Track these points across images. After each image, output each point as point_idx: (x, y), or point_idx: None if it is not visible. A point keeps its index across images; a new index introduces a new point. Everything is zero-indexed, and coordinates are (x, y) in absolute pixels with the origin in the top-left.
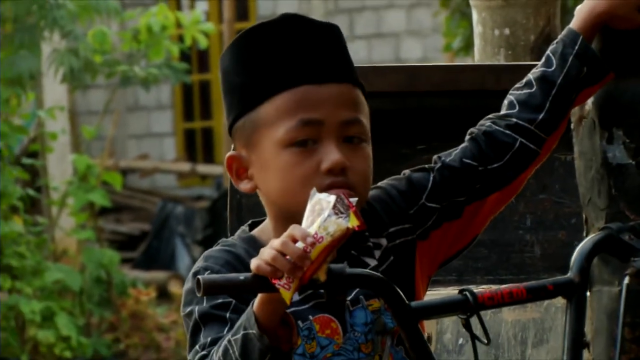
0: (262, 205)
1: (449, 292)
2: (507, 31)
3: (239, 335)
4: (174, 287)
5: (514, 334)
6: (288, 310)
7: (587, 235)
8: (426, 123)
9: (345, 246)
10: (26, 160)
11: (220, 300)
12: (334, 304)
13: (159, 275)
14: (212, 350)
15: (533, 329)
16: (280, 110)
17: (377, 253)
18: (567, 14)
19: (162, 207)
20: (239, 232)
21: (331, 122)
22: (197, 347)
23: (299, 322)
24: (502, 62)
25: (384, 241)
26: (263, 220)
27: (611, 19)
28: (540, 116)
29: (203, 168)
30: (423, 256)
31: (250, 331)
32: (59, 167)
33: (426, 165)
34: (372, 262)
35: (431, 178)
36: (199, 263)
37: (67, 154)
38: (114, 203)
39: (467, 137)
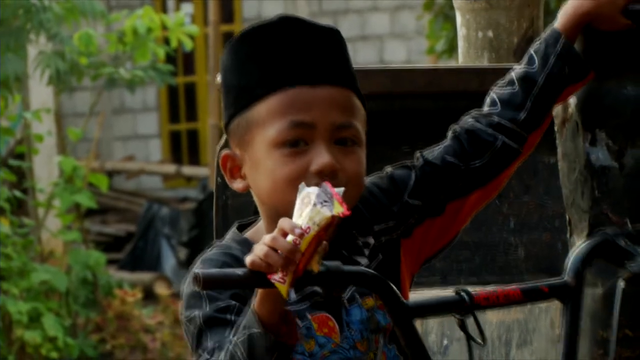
0: (248, 207)
1: (434, 293)
2: (490, 33)
3: (243, 337)
4: (160, 288)
5: (498, 335)
6: (287, 308)
7: (570, 237)
8: (410, 125)
9: (336, 246)
10: (12, 162)
11: (223, 304)
12: (331, 301)
13: (144, 276)
14: (219, 355)
15: (517, 330)
16: (273, 111)
17: (367, 252)
18: (550, 16)
19: (148, 209)
20: (230, 234)
21: (322, 124)
22: (203, 353)
23: (298, 321)
24: (486, 65)
25: (371, 240)
26: (250, 221)
27: (595, 20)
28: (522, 115)
29: (188, 170)
30: (407, 254)
31: (254, 330)
32: (45, 168)
33: (408, 162)
34: (364, 261)
35: (413, 175)
36: (198, 267)
37: (53, 155)
38: (100, 205)
39: (450, 134)
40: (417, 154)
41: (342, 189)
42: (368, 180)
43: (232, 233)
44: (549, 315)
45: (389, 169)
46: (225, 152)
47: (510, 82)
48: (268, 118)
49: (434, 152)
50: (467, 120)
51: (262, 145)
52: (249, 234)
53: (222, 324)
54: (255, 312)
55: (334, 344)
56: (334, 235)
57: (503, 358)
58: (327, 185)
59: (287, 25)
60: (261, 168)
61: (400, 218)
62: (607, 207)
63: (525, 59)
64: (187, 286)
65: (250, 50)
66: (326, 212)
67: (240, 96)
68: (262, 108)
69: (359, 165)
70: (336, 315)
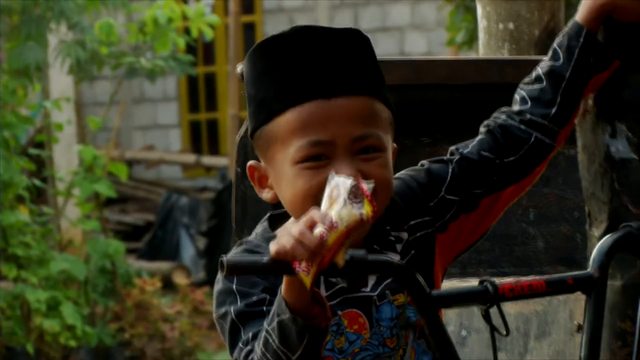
0: None
1: (453, 284)
2: (511, 25)
3: (274, 324)
4: (179, 278)
5: (516, 326)
6: None
7: (589, 229)
8: (430, 116)
9: (368, 241)
10: (32, 151)
11: (255, 298)
12: (362, 298)
13: (163, 265)
14: (255, 344)
15: (535, 321)
16: (291, 128)
17: (399, 247)
18: (571, 8)
19: (167, 198)
20: (261, 230)
21: (341, 140)
22: (240, 344)
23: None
24: (506, 57)
25: (405, 235)
26: (282, 212)
27: (615, 11)
28: (553, 110)
29: (208, 159)
30: (441, 248)
31: (284, 317)
32: (65, 157)
33: (444, 157)
34: (395, 257)
35: (450, 170)
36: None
37: (73, 144)
38: (119, 194)
39: (483, 129)
40: (452, 149)
41: (371, 186)
42: (405, 173)
43: (262, 228)
44: (567, 307)
45: (425, 162)
46: (250, 163)
47: (538, 79)
48: (287, 135)
49: (468, 147)
50: (500, 116)
51: (282, 161)
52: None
53: (255, 317)
54: (283, 298)
55: (363, 340)
56: (366, 232)
57: (521, 349)
58: (359, 181)
59: (302, 37)
60: (283, 181)
61: (437, 213)
62: (627, 199)
63: (549, 54)
64: (217, 283)
65: (266, 63)
66: (356, 213)
67: (260, 110)
68: (281, 124)
69: (384, 170)
70: (366, 312)
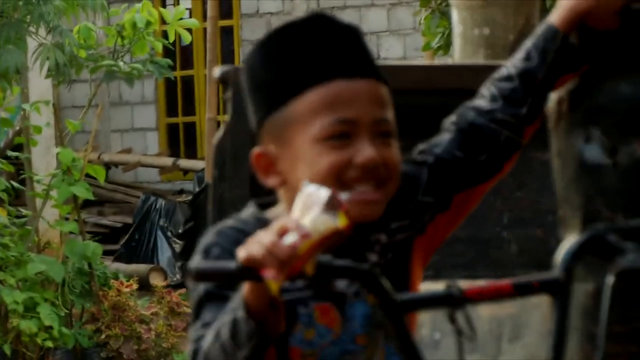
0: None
1: (426, 287)
2: (486, 31)
3: (229, 318)
4: (155, 280)
5: (489, 329)
6: (290, 295)
7: (563, 233)
8: (405, 121)
9: (348, 241)
10: (11, 153)
11: None
12: (336, 293)
13: (140, 267)
14: (208, 332)
15: (509, 324)
16: (314, 107)
17: (377, 248)
18: (546, 14)
19: (144, 201)
20: (250, 211)
21: (364, 119)
22: (198, 324)
23: (300, 308)
24: (481, 62)
25: (383, 237)
26: (267, 202)
27: (590, 18)
28: (523, 110)
29: (185, 162)
30: (420, 250)
31: (239, 315)
32: (44, 160)
33: (417, 158)
34: (374, 258)
35: (426, 172)
36: (210, 238)
37: (51, 147)
38: (97, 196)
39: (452, 127)
40: (422, 148)
41: (347, 196)
42: None
43: (252, 209)
44: (540, 310)
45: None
46: (257, 150)
47: (509, 78)
48: (310, 114)
49: (439, 146)
50: (467, 113)
51: (304, 141)
52: (270, 215)
53: (221, 299)
54: (243, 296)
55: (334, 334)
56: (342, 241)
57: (494, 352)
58: (334, 193)
59: (318, 22)
60: (303, 162)
61: (415, 216)
62: (601, 204)
63: (521, 53)
64: (195, 256)
65: (283, 47)
66: (331, 224)
67: (274, 94)
68: (301, 104)
69: (397, 156)
70: (340, 307)
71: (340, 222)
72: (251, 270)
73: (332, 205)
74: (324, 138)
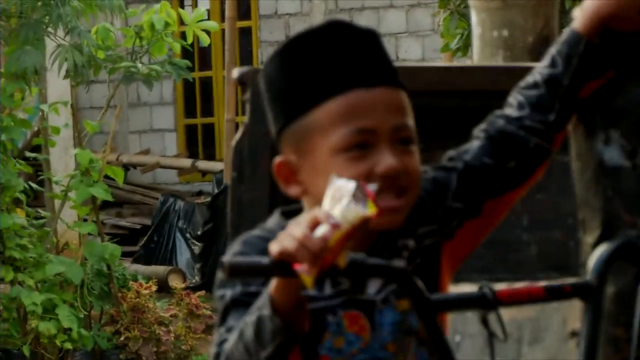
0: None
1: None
2: (505, 32)
3: (254, 317)
4: (174, 281)
5: (509, 332)
6: (319, 304)
7: (583, 236)
8: (423, 122)
9: (375, 247)
10: (29, 154)
11: (253, 289)
12: (365, 301)
13: (159, 269)
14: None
15: (529, 327)
16: (333, 117)
17: (405, 254)
18: (565, 16)
19: (163, 202)
20: (275, 219)
21: (383, 128)
22: (222, 329)
23: (329, 317)
24: (500, 64)
25: (411, 242)
26: (292, 209)
27: (613, 21)
28: (551, 117)
29: (203, 164)
30: (448, 256)
31: (264, 312)
32: (62, 161)
33: (447, 164)
34: (402, 264)
35: (455, 178)
36: (236, 247)
37: (69, 148)
38: (115, 197)
39: (482, 134)
40: (452, 154)
41: (375, 186)
42: None
43: (276, 218)
44: (560, 313)
45: (428, 170)
46: (278, 159)
47: (535, 85)
48: (329, 124)
49: (469, 153)
50: (497, 121)
51: (323, 151)
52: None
53: (246, 305)
54: (270, 294)
55: (363, 342)
56: (373, 237)
57: (514, 355)
58: (362, 184)
59: (336, 30)
60: (324, 173)
61: (443, 221)
62: (620, 207)
63: (546, 60)
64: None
65: (302, 56)
66: (360, 212)
67: (294, 103)
68: (321, 114)
69: (418, 164)
70: (369, 315)
71: (369, 210)
72: (284, 264)
73: (360, 195)
74: (344, 149)
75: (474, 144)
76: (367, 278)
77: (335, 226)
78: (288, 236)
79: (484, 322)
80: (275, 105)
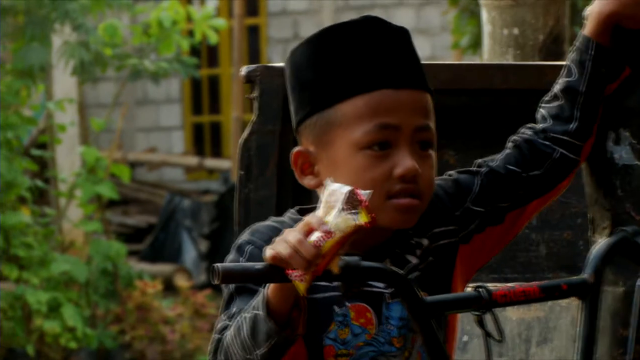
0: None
1: None
2: (515, 31)
3: (250, 315)
4: (180, 280)
5: (518, 332)
6: (326, 294)
7: (593, 235)
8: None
9: (389, 243)
10: (35, 152)
11: None
12: (373, 294)
13: (165, 268)
14: (232, 323)
15: (537, 327)
16: (358, 113)
17: (418, 252)
18: (577, 14)
19: (169, 201)
20: (290, 213)
21: (406, 127)
22: (224, 315)
23: (335, 307)
24: (510, 62)
25: (425, 241)
26: (309, 208)
27: (621, 19)
28: (573, 126)
29: (211, 162)
30: (464, 260)
31: (260, 313)
32: (68, 158)
33: (472, 169)
34: (414, 260)
35: (477, 181)
36: (245, 236)
37: (75, 145)
38: (121, 195)
39: (510, 144)
40: (479, 161)
41: (368, 193)
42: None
43: (291, 213)
44: (569, 313)
45: (453, 173)
46: (297, 149)
47: (555, 97)
48: (353, 119)
49: (495, 160)
50: (526, 132)
51: (344, 146)
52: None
53: (251, 292)
54: (267, 295)
55: (369, 335)
56: (389, 235)
57: (523, 355)
58: (356, 190)
59: (370, 26)
60: (342, 168)
61: (461, 223)
62: (630, 206)
63: (564, 71)
64: (230, 253)
65: (332, 49)
66: (351, 221)
67: (320, 94)
68: (347, 108)
69: (433, 170)
70: (376, 307)
71: (361, 218)
72: (277, 270)
73: (352, 203)
74: (365, 145)
75: (502, 153)
76: (362, 281)
77: (327, 234)
78: (282, 242)
79: (480, 322)
80: (300, 94)
